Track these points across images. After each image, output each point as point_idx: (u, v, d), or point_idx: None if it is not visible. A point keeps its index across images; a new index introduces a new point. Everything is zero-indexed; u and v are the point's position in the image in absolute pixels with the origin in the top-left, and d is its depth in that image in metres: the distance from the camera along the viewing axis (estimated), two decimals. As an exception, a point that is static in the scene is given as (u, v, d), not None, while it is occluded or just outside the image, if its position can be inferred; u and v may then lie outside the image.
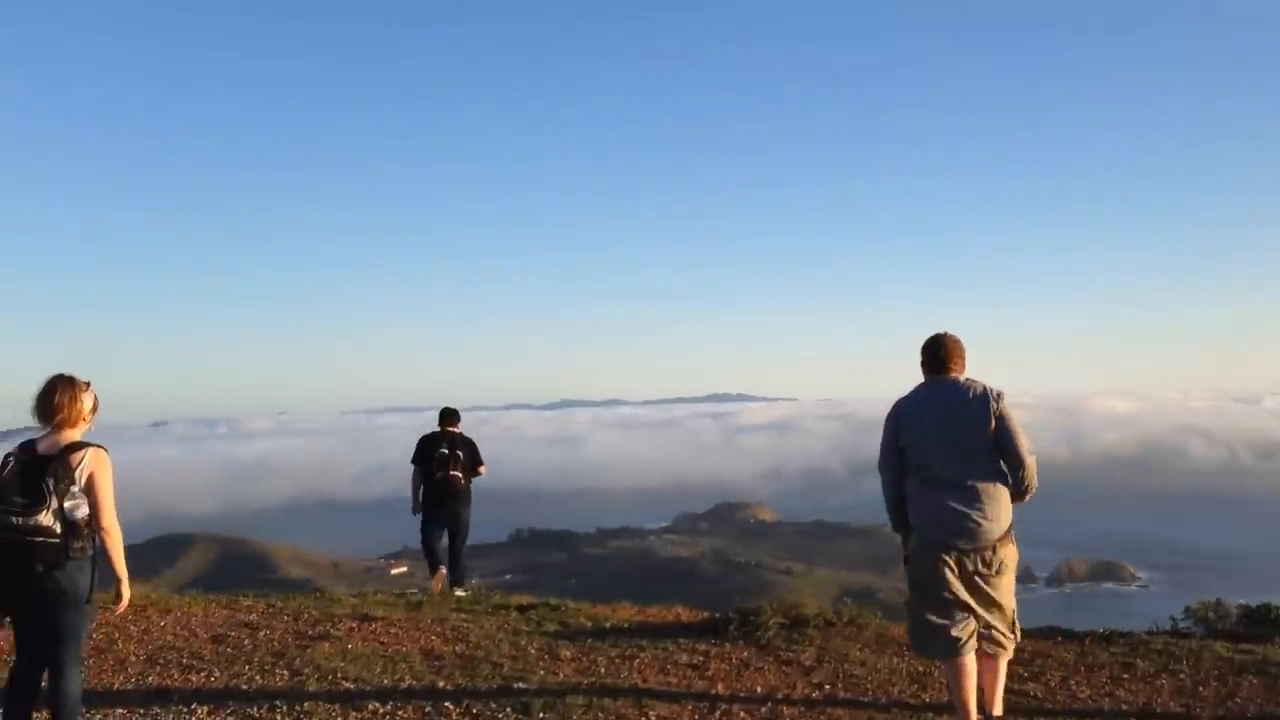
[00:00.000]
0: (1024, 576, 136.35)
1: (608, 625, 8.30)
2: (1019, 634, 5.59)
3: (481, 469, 11.49)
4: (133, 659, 7.33)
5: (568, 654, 7.38)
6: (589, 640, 7.77)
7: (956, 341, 5.60)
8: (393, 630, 8.15)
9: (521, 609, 8.98)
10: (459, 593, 10.54)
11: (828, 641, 7.63)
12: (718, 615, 8.32)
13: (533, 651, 7.45)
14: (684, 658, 7.27)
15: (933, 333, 5.69)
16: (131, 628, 8.32)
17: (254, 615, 8.87)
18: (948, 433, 5.35)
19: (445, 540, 11.38)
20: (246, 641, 7.80)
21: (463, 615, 8.71)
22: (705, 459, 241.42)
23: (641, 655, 7.34)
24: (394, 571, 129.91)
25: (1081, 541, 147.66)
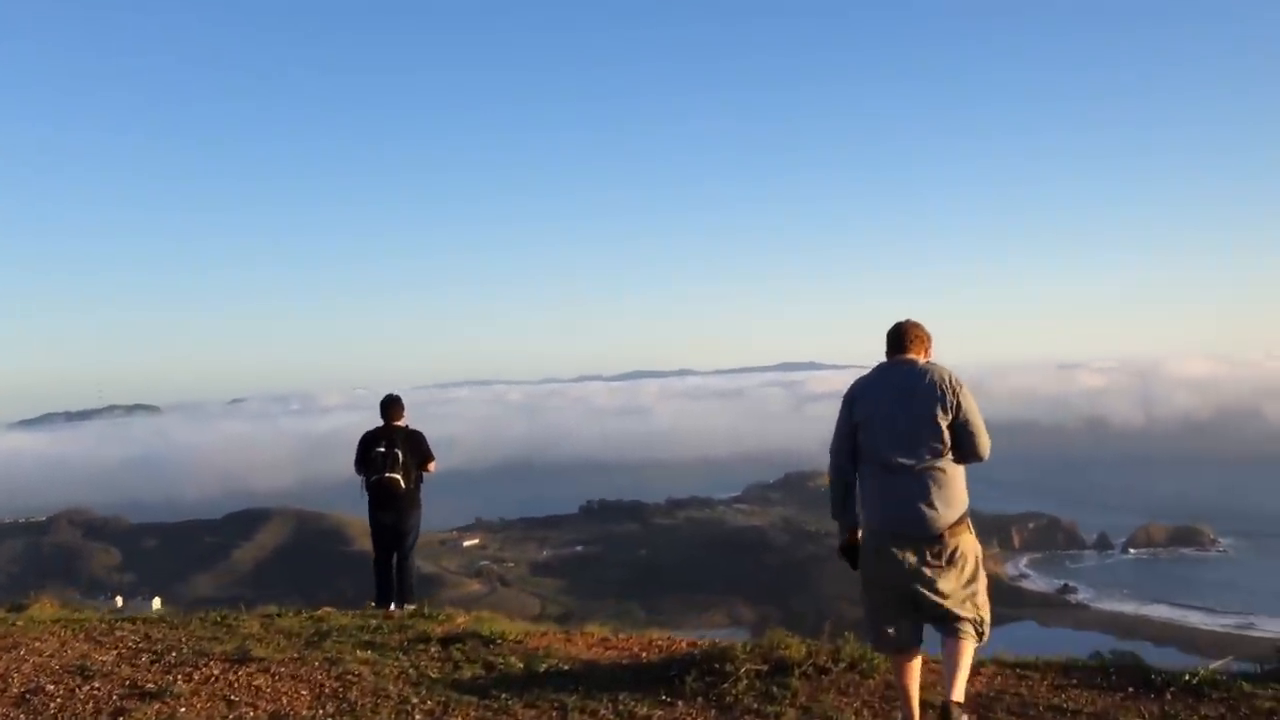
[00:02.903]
0: (1100, 543, 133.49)
1: (542, 668, 6.59)
2: (988, 628, 5.16)
3: (430, 466, 9.85)
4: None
5: (460, 720, 5.64)
6: (503, 695, 6.06)
7: (917, 325, 5.43)
8: (258, 681, 6.51)
9: (445, 642, 7.26)
10: (408, 607, 9.04)
11: (816, 696, 5.80)
12: (681, 656, 6.52)
13: (419, 716, 5.75)
14: (613, 727, 5.50)
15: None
16: (-54, 671, 6.79)
17: (110, 655, 7.32)
18: (897, 416, 5.11)
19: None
20: (57, 700, 6.23)
21: (366, 654, 7.05)
22: (775, 428, 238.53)
23: (559, 723, 5.58)
24: (466, 544, 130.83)
25: (1159, 507, 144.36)
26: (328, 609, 8.92)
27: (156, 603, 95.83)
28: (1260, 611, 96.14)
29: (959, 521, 5.06)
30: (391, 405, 9.99)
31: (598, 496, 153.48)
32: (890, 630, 5.13)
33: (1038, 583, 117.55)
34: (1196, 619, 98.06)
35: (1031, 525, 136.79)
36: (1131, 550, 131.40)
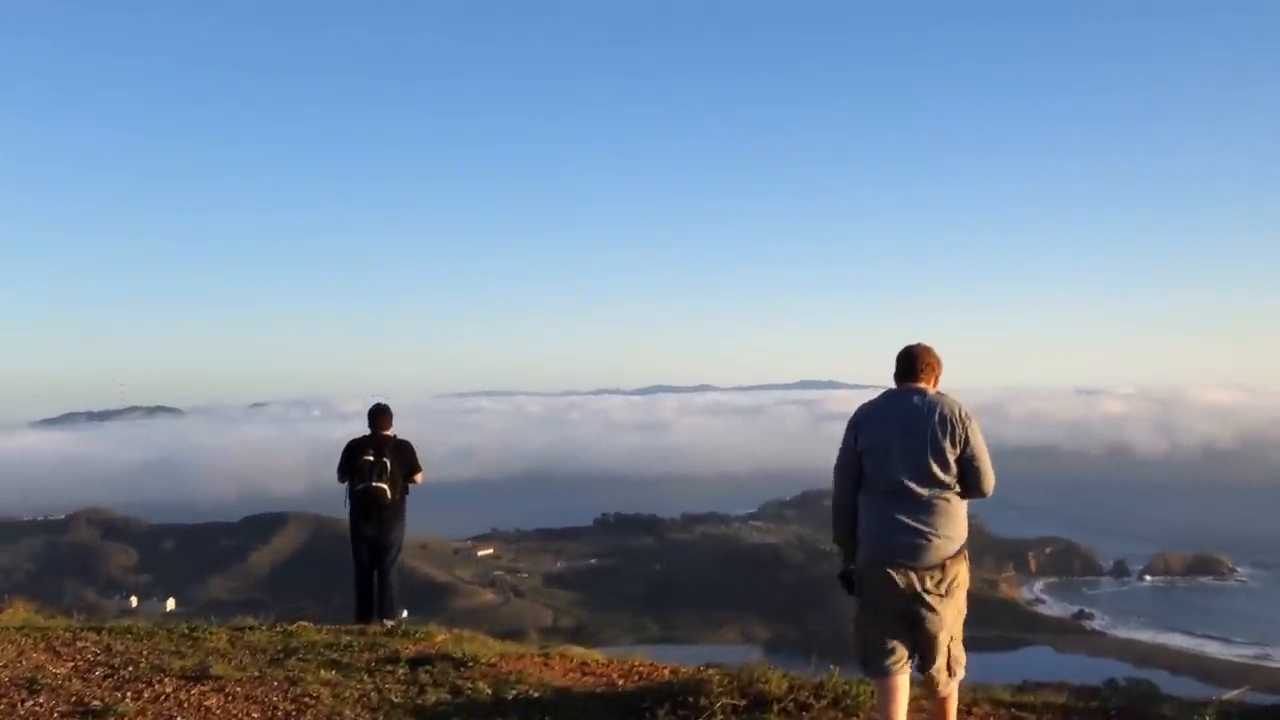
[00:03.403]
0: (1117, 569, 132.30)
1: (511, 695, 6.34)
2: (962, 666, 5.19)
3: (417, 477, 9.62)
4: None
5: (414, 756, 5.39)
6: (465, 725, 5.77)
7: (927, 351, 5.40)
8: (210, 701, 6.26)
9: (415, 664, 7.02)
10: (387, 623, 8.80)
11: (798, 735, 5.51)
12: (658, 686, 6.25)
13: (369, 749, 5.48)
14: (574, 764, 5.25)
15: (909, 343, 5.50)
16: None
17: (66, 667, 7.09)
18: (903, 443, 5.10)
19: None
20: (-8, 719, 5.98)
21: (329, 675, 6.79)
22: (792, 445, 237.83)
23: (518, 760, 5.33)
24: (481, 553, 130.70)
25: (1177, 534, 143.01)
26: (303, 623, 8.70)
27: (171, 603, 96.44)
28: (1277, 642, 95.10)
29: (958, 553, 5.10)
30: (380, 414, 9.79)
31: (614, 510, 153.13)
32: (884, 656, 5.09)
33: (1053, 608, 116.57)
34: (1213, 648, 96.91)
35: (1048, 550, 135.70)
36: (1149, 577, 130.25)
